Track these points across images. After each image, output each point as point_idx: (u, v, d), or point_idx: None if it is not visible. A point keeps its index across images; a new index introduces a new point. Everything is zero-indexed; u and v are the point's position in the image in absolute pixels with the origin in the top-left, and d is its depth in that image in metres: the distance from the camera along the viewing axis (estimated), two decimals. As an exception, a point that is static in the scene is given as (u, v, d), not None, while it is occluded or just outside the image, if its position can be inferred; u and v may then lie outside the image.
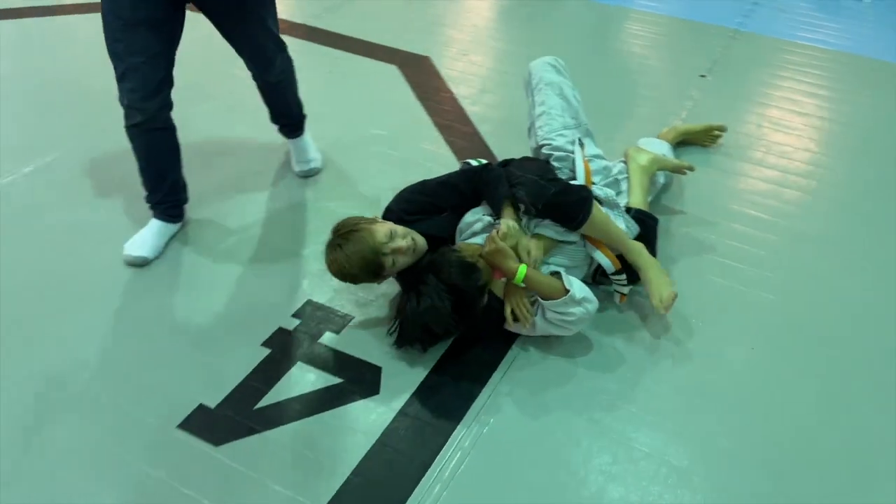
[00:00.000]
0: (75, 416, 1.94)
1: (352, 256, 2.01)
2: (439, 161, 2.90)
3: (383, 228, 2.06)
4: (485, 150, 3.01)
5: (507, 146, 2.99)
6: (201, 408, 1.97)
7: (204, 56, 3.23)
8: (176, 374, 2.06)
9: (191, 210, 2.61)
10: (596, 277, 2.31)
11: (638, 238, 2.32)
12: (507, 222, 2.05)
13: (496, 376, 2.06)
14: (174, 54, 2.30)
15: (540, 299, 2.03)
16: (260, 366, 2.09)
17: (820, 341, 2.20)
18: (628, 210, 2.37)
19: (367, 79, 3.56)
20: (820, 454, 1.88)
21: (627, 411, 1.98)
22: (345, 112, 3.30)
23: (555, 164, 2.39)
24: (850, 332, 2.23)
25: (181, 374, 2.06)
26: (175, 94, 2.35)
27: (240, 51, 2.49)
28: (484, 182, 2.20)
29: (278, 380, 2.05)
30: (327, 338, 2.17)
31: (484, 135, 3.13)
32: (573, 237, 2.14)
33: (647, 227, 2.34)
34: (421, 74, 3.56)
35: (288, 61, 2.62)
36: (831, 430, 1.94)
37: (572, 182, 2.26)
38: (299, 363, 2.09)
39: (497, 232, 2.02)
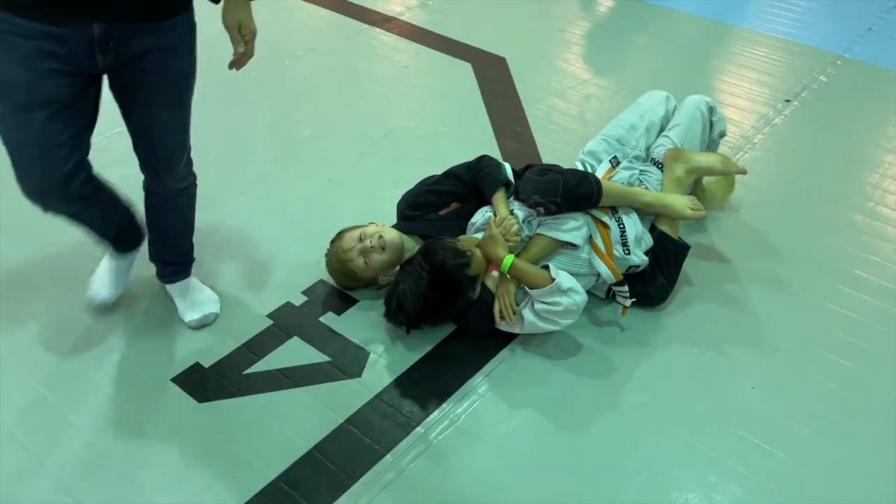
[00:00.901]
0: (86, 354, 2.11)
1: (329, 266, 2.29)
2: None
3: (354, 234, 2.21)
4: (532, 154, 2.99)
5: (557, 151, 2.97)
6: (196, 366, 2.09)
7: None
8: (182, 332, 2.19)
9: (226, 181, 2.73)
10: (609, 293, 2.26)
11: (655, 264, 2.25)
12: (504, 212, 2.16)
13: (477, 376, 2.06)
14: (89, 138, 1.82)
15: (528, 290, 2.03)
16: (259, 335, 2.19)
17: (830, 392, 2.06)
18: (652, 229, 2.29)
19: (439, 74, 3.61)
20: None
21: (599, 428, 1.94)
22: (408, 104, 3.36)
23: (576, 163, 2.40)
24: (864, 394, 2.08)
25: (187, 332, 2.19)
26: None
27: (150, 144, 1.93)
28: (479, 170, 2.29)
29: (272, 350, 2.14)
30: (328, 317, 2.24)
31: (537, 139, 3.10)
32: (578, 240, 2.11)
33: (666, 251, 2.25)
34: (493, 75, 3.57)
35: (192, 171, 2.09)
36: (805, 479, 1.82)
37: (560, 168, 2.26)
38: (295, 337, 2.18)
39: (494, 219, 2.13)
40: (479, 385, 2.04)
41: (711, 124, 2.55)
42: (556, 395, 2.02)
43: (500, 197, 2.20)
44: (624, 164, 2.39)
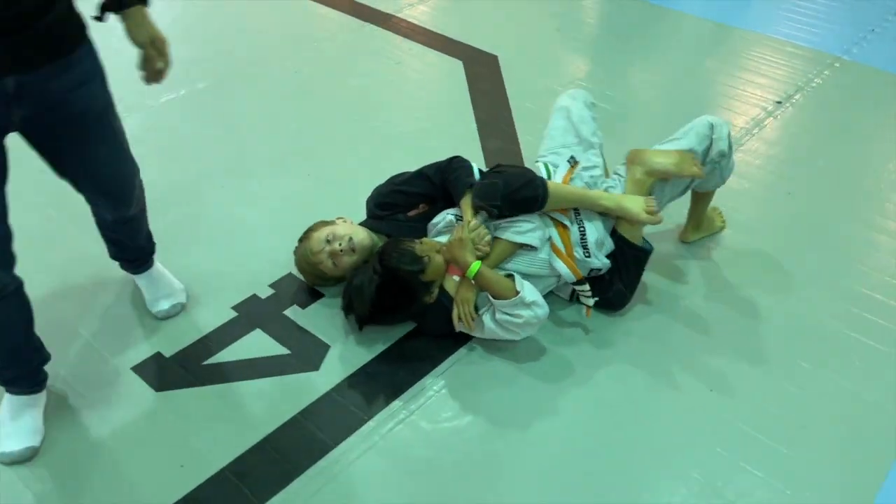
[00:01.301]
0: (49, 342, 2.09)
1: (298, 264, 2.28)
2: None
3: (322, 234, 2.19)
4: (515, 151, 2.98)
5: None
6: (157, 355, 2.11)
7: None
8: (147, 322, 2.22)
9: (205, 173, 2.74)
10: (573, 296, 2.25)
11: (615, 269, 2.20)
12: (473, 219, 2.10)
13: (433, 374, 2.06)
14: (7, 197, 1.67)
15: (491, 298, 2.02)
16: (223, 326, 2.21)
17: (791, 396, 2.04)
18: (613, 233, 2.25)
19: (429, 72, 3.61)
20: None
21: (551, 427, 1.94)
22: (396, 101, 3.37)
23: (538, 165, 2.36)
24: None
25: (152, 322, 2.21)
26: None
27: (96, 183, 1.84)
28: (449, 172, 2.25)
29: (233, 342, 2.16)
30: (291, 310, 2.26)
31: (521, 137, 3.09)
32: (535, 241, 2.09)
33: (625, 256, 2.20)
34: (483, 72, 3.56)
35: (142, 186, 2.01)
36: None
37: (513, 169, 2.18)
38: (258, 329, 2.19)
39: (468, 223, 2.08)
40: (434, 382, 2.04)
41: (712, 142, 2.35)
42: (512, 395, 2.02)
43: (468, 202, 2.15)
44: (587, 157, 2.32)
